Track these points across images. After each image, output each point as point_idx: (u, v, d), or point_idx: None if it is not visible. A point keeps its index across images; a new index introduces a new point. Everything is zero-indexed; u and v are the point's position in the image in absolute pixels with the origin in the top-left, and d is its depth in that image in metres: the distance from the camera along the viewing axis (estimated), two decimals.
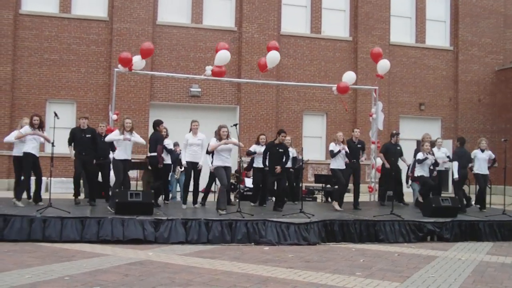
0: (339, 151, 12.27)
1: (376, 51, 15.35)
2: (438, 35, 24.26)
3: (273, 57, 13.69)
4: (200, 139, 11.79)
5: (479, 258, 8.88)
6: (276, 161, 11.94)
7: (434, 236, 10.68)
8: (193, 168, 11.85)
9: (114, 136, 11.23)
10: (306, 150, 13.67)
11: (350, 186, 13.53)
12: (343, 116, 21.94)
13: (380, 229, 10.42)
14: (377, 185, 15.73)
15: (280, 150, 12.02)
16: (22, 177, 11.43)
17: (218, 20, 21.41)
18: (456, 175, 13.05)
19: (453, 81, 24.01)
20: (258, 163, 12.71)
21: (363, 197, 15.18)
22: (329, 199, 15.17)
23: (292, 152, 13.62)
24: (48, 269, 6.85)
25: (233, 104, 21.31)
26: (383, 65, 15.11)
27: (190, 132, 11.86)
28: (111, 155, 11.90)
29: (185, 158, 11.80)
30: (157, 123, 12.03)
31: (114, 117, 13.47)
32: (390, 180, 13.78)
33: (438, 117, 23.83)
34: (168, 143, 12.57)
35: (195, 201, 12.11)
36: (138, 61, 13.20)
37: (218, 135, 11.19)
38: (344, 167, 12.46)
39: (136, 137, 11.27)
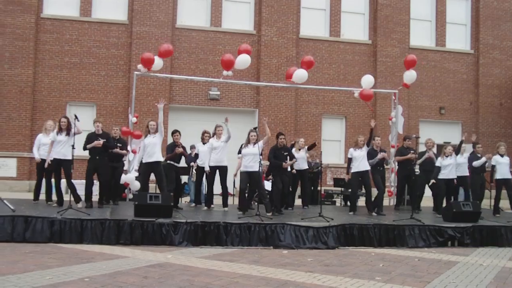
0: (350, 160, 12.36)
1: (410, 58, 15.29)
2: (459, 39, 24.02)
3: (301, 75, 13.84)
4: (223, 141, 12.12)
5: (501, 264, 8.75)
6: (281, 165, 12.38)
7: (454, 242, 10.56)
8: (219, 171, 12.19)
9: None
10: (325, 154, 13.60)
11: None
12: (363, 119, 21.83)
13: (400, 233, 10.34)
14: (396, 190, 15.61)
15: (285, 153, 12.53)
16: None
17: (237, 24, 21.45)
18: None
19: (473, 85, 23.77)
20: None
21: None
22: (348, 203, 15.06)
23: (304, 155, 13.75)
24: (68, 271, 6.89)
25: (252, 107, 21.32)
26: (410, 75, 15.07)
27: (213, 136, 12.15)
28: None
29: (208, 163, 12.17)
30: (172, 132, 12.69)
31: (134, 119, 13.55)
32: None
33: (458, 121, 23.60)
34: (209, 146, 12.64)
35: (225, 204, 12.46)
36: (155, 63, 13.29)
37: (248, 140, 11.51)
38: (367, 168, 12.41)
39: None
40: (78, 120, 10.65)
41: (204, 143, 12.82)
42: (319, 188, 14.08)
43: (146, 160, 11.21)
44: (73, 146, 10.62)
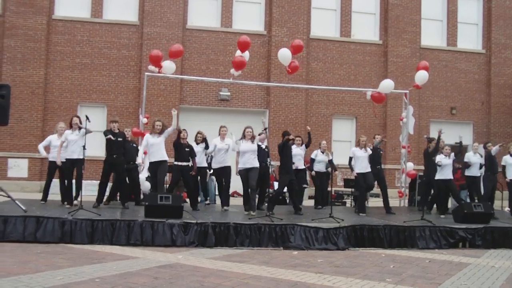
0: (350, 159, 12.46)
1: (423, 65, 15.10)
2: (470, 38, 23.86)
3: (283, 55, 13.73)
4: (227, 144, 12.01)
5: None
6: (290, 163, 12.10)
7: (466, 243, 10.49)
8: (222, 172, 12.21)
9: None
10: (335, 155, 13.60)
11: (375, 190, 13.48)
12: (373, 120, 21.76)
13: (410, 234, 10.29)
14: (407, 190, 15.57)
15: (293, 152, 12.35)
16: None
17: (247, 24, 21.44)
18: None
19: (485, 85, 23.60)
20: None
21: (393, 203, 15.02)
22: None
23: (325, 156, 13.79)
24: (79, 271, 6.93)
25: (263, 108, 21.31)
26: (422, 75, 14.94)
27: (218, 137, 12.14)
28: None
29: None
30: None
31: (144, 120, 13.59)
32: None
33: (469, 122, 23.45)
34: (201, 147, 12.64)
35: (224, 204, 12.32)
36: (167, 66, 13.33)
37: (243, 136, 11.48)
38: (368, 170, 12.42)
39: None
40: (89, 121, 10.70)
41: (197, 144, 12.75)
42: (329, 188, 14.07)
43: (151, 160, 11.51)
44: (84, 146, 10.68)
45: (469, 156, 13.48)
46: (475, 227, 10.63)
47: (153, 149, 11.53)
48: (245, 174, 11.43)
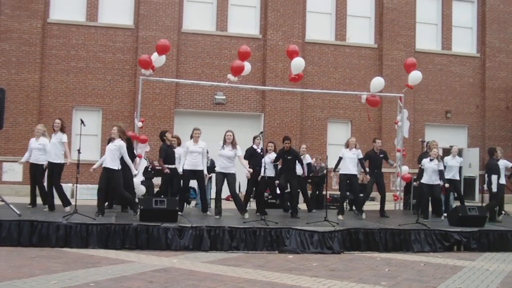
0: (340, 159, 12.32)
1: (410, 61, 15.15)
2: (465, 42, 23.92)
3: (297, 64, 13.62)
4: (201, 147, 11.83)
5: (507, 268, 8.71)
6: (288, 168, 12.05)
7: (460, 246, 10.52)
8: (194, 175, 11.99)
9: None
10: (330, 158, 13.61)
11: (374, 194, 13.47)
12: (368, 123, 21.77)
13: (405, 238, 10.31)
14: (402, 194, 15.59)
15: (289, 157, 12.12)
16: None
17: (242, 28, 21.46)
18: (494, 189, 12.69)
19: (480, 88, 23.66)
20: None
21: (388, 206, 15.05)
22: (353, 207, 15.01)
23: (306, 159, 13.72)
24: (74, 275, 6.91)
25: (258, 111, 21.31)
26: (415, 76, 14.99)
27: (191, 139, 11.91)
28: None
29: (183, 166, 11.83)
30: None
31: (140, 124, 13.56)
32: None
33: (464, 125, 23.50)
34: (180, 152, 12.55)
35: (205, 209, 12.21)
36: (156, 59, 13.31)
37: (224, 140, 11.45)
38: (354, 173, 12.36)
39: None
40: (84, 125, 10.67)
41: (173, 148, 12.71)
42: (324, 192, 14.08)
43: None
44: (79, 150, 10.63)
45: (447, 160, 13.46)
46: (470, 230, 10.67)
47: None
48: (221, 178, 11.36)
